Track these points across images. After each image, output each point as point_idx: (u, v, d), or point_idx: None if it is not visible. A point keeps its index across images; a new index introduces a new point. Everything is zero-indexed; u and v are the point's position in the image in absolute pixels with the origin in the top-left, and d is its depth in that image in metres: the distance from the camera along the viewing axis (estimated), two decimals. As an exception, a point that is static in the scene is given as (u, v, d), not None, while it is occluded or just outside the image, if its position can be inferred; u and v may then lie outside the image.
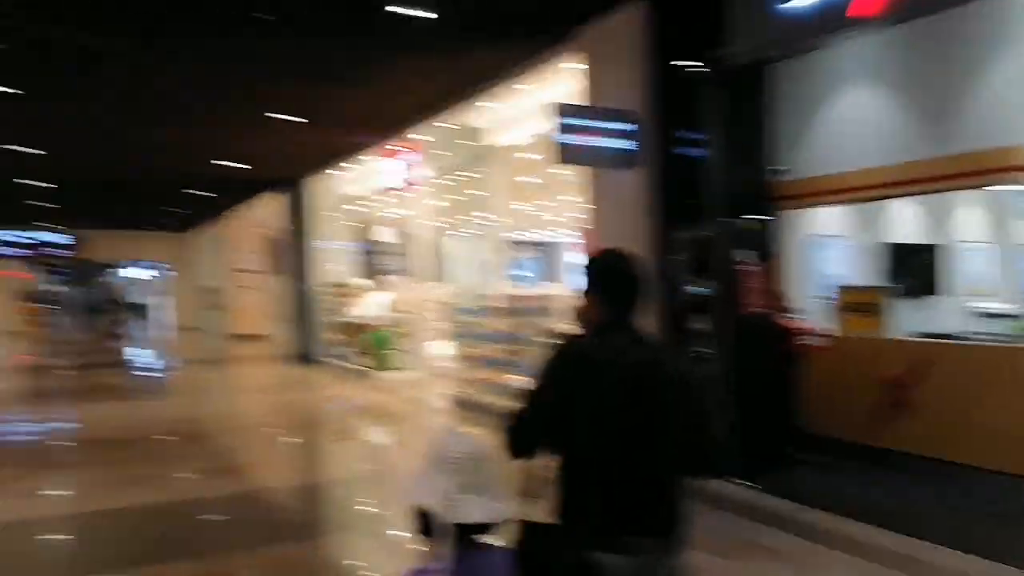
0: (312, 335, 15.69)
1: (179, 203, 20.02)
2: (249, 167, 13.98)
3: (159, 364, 17.42)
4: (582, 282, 2.07)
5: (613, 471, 1.88)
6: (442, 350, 12.40)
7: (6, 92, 8.48)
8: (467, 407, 9.27)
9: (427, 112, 9.74)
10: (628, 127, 5.84)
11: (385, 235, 16.14)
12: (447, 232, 14.84)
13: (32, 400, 11.76)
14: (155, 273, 36.33)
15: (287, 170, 14.46)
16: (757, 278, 5.48)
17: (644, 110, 5.92)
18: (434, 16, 6.30)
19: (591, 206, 6.64)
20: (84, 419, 9.38)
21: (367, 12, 6.38)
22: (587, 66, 6.58)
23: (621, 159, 5.84)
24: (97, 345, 22.02)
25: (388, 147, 11.54)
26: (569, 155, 5.61)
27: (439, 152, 11.10)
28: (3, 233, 25.26)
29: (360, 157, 12.74)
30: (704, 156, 5.53)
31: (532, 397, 1.97)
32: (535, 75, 7.75)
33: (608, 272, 2.05)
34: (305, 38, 7.00)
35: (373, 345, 12.44)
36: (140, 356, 19.54)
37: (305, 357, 15.62)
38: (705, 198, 5.51)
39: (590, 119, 5.68)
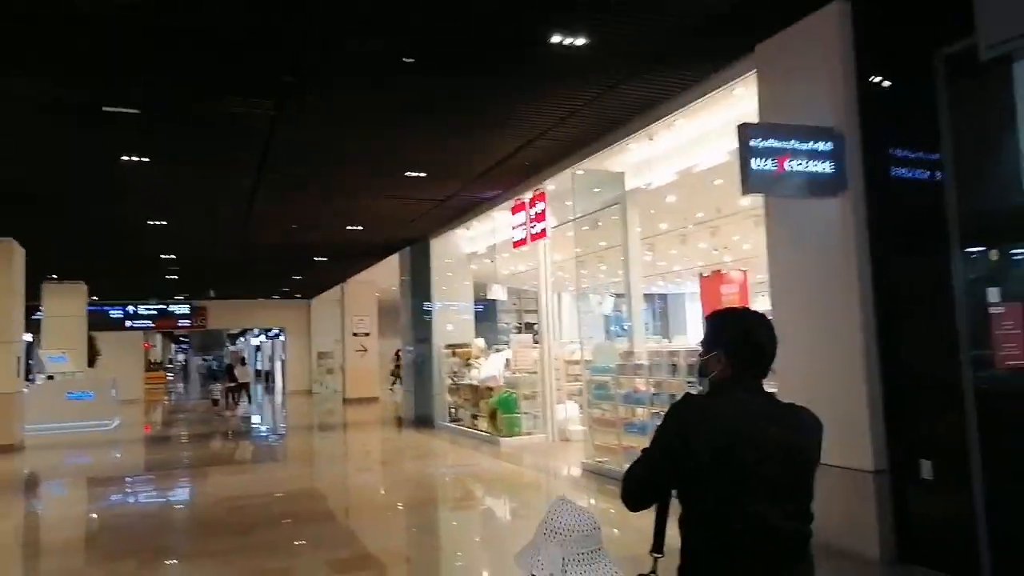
0: (430, 398, 15.12)
1: (301, 271, 20.37)
2: (364, 228, 13.83)
3: (277, 431, 17.28)
4: (711, 339, 2.01)
5: (745, 533, 1.82)
6: (571, 413, 11.48)
7: (134, 159, 8.48)
8: (598, 475, 8.28)
9: (562, 158, 9.11)
10: (828, 147, 4.89)
11: (508, 292, 15.53)
12: (573, 286, 14.05)
13: (151, 472, 11.60)
14: (274, 339, 37.49)
15: (408, 230, 14.21)
16: (1016, 322, 4.31)
17: (846, 126, 4.97)
18: (588, 43, 5.64)
19: (773, 244, 5.65)
20: (201, 495, 8.95)
21: (516, 47, 5.82)
22: (762, 85, 5.71)
23: (822, 185, 4.87)
24: (217, 412, 22.38)
25: (515, 199, 10.98)
26: (758, 183, 4.70)
27: (567, 203, 10.44)
28: (130, 304, 26.57)
29: (485, 212, 12.25)
30: (934, 175, 4.49)
31: (657, 450, 1.93)
32: (689, 104, 6.93)
33: (744, 330, 1.98)
34: (443, 77, 6.50)
35: (496, 409, 11.66)
36: (258, 422, 19.59)
37: (423, 421, 15.04)
38: (940, 225, 4.44)
39: (782, 140, 4.77)
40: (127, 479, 10.56)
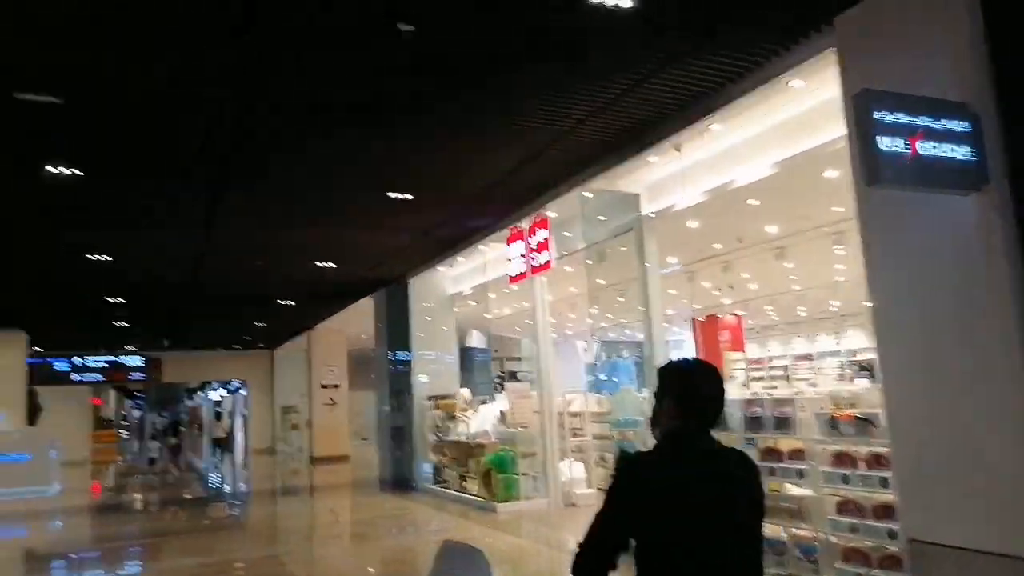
0: (410, 457, 13.54)
1: (264, 316, 18.78)
2: (338, 266, 12.43)
3: (238, 497, 15.45)
4: (660, 391, 2.04)
5: None
6: (576, 473, 10.06)
7: (62, 171, 7.05)
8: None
9: (568, 176, 7.89)
10: (964, 127, 3.74)
11: (488, 339, 14.19)
12: (564, 331, 12.74)
13: (98, 547, 9.83)
14: (234, 393, 35.31)
15: (386, 268, 12.82)
16: None
17: (980, 103, 3.83)
18: (631, 5, 4.47)
19: (878, 262, 4.45)
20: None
21: (523, 17, 4.63)
22: (847, 65, 4.59)
23: (961, 175, 3.70)
24: (172, 474, 20.37)
25: (511, 228, 9.74)
26: (889, 171, 3.51)
27: (565, 233, 9.24)
28: (77, 356, 24.54)
29: (473, 245, 10.97)
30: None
31: (604, 517, 1.92)
32: (733, 101, 5.80)
33: (689, 382, 2.01)
34: (437, 70, 5.28)
35: (490, 469, 10.19)
36: (217, 486, 17.69)
37: (401, 483, 13.43)
38: None
39: (913, 114, 3.61)
40: (54, 563, 8.79)
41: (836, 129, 5.38)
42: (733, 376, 16.27)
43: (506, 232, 9.90)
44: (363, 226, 9.95)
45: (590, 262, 9.11)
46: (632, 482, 1.90)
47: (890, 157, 3.51)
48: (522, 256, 9.54)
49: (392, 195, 8.38)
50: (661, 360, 7.53)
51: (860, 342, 17.98)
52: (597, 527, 1.92)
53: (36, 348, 22.10)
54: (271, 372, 27.57)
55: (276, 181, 7.85)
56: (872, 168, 3.52)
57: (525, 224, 9.42)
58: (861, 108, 3.55)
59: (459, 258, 11.91)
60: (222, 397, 38.86)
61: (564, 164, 7.47)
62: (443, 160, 7.32)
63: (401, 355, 14.12)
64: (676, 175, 7.17)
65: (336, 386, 21.62)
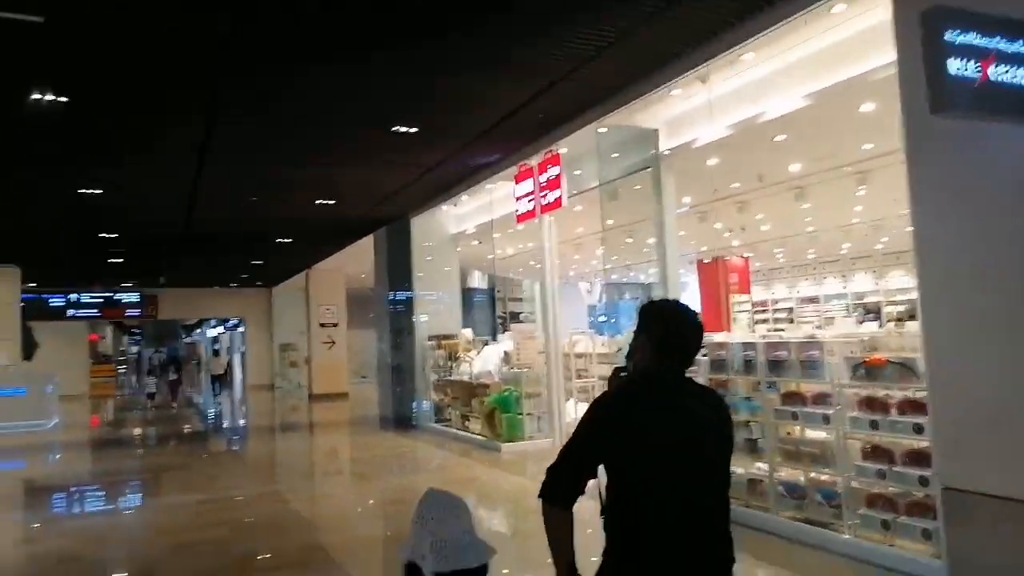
0: (410, 396, 13.47)
1: (263, 255, 18.47)
2: (337, 204, 12.07)
3: (236, 433, 15.44)
4: (639, 328, 2.08)
5: (671, 520, 1.88)
6: (580, 414, 9.96)
7: (46, 99, 6.63)
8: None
9: (584, 110, 7.50)
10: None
11: (504, 276, 13.95)
12: (580, 271, 12.50)
13: (96, 481, 9.79)
14: (232, 330, 35.25)
15: (387, 206, 12.46)
16: None
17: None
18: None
19: (926, 205, 4.17)
20: (141, 526, 7.22)
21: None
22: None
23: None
24: (171, 409, 20.39)
25: (520, 166, 9.38)
26: (958, 97, 3.19)
27: (576, 173, 8.89)
28: (73, 292, 24.32)
29: (478, 183, 10.61)
30: None
31: (577, 443, 1.96)
32: (768, 28, 5.41)
33: (668, 322, 2.04)
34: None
35: (494, 409, 10.09)
36: (216, 421, 17.69)
37: (401, 421, 13.40)
38: None
39: (986, 35, 3.27)
40: (54, 497, 8.73)
41: (878, 57, 5.03)
42: (737, 319, 16.18)
43: (514, 170, 9.54)
44: (364, 163, 9.56)
45: (606, 201, 8.77)
46: (607, 415, 1.94)
47: (960, 83, 3.19)
48: (531, 195, 9.21)
49: (396, 129, 7.99)
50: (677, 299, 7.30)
51: (867, 285, 17.84)
52: (568, 452, 1.96)
53: (30, 284, 21.81)
54: (269, 310, 27.44)
55: (273, 113, 7.43)
56: (940, 95, 3.19)
57: (535, 161, 9.06)
58: (931, 27, 3.20)
59: (464, 196, 11.56)
60: (220, 334, 38.88)
61: (580, 97, 7.07)
62: (452, 91, 6.89)
63: (402, 295, 13.91)
64: (700, 108, 6.80)
65: (335, 325, 21.51)
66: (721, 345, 6.21)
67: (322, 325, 21.37)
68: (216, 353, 23.89)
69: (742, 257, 16.79)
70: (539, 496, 1.95)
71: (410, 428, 12.91)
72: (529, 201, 9.26)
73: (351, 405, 18.98)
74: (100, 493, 8.86)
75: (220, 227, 14.04)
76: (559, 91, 6.82)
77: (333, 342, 21.36)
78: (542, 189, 8.96)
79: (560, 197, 8.62)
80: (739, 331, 13.79)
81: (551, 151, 8.63)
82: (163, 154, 8.80)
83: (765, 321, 19.13)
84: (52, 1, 4.90)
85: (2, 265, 18.12)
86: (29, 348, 20.65)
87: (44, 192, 10.69)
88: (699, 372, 6.02)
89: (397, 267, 13.89)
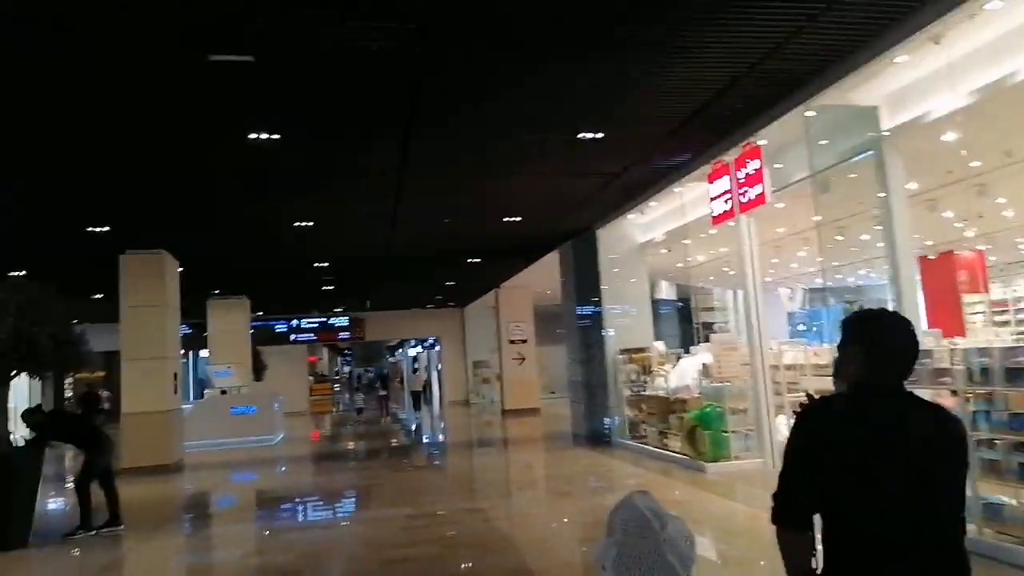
0: (603, 412, 13.14)
1: (453, 275, 19.19)
2: (524, 219, 12.12)
3: (437, 448, 15.99)
4: (847, 341, 1.93)
5: (897, 546, 1.72)
6: (793, 432, 9.04)
7: (262, 137, 7.16)
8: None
9: (784, 95, 6.81)
10: None
11: (693, 285, 13.29)
12: (778, 276, 11.55)
13: (315, 495, 10.47)
14: (429, 349, 37.16)
15: (572, 219, 12.35)
16: None
17: None
18: None
19: None
20: (356, 539, 7.50)
21: None
22: None
23: None
24: (379, 423, 21.71)
25: (713, 164, 8.79)
26: None
27: (776, 166, 8.12)
28: (294, 318, 26.85)
29: (667, 187, 10.12)
30: None
31: (786, 471, 1.85)
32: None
33: (880, 333, 1.89)
34: None
35: (696, 426, 9.46)
36: (419, 435, 18.50)
37: (595, 438, 13.09)
38: None
39: None
40: (277, 511, 9.42)
41: None
42: (972, 322, 14.09)
43: (706, 169, 8.95)
44: (550, 173, 9.47)
45: (816, 194, 7.90)
46: (812, 439, 1.82)
47: None
48: (727, 194, 8.56)
49: (582, 136, 7.78)
50: (909, 305, 6.36)
51: None
52: (783, 476, 1.86)
53: (258, 313, 24.39)
54: (462, 328, 28.53)
55: (464, 129, 7.54)
56: None
57: (731, 157, 8.42)
58: None
59: (651, 203, 11.11)
60: (419, 353, 41.15)
61: (784, 78, 6.39)
62: (640, 87, 6.55)
63: (589, 309, 13.68)
64: (932, 75, 5.87)
65: (523, 341, 21.79)
66: (954, 351, 5.27)
67: (511, 342, 21.74)
68: (415, 371, 25.41)
69: (974, 251, 14.65)
70: (771, 522, 1.86)
71: (604, 444, 12.57)
72: (726, 201, 8.62)
73: (543, 421, 19.03)
74: (319, 505, 9.43)
75: (416, 251, 14.70)
76: (760, 73, 6.21)
77: (523, 358, 21.63)
78: (740, 186, 8.29)
79: (762, 193, 7.91)
80: (977, 335, 11.95)
81: (749, 143, 7.96)
82: (364, 183, 9.32)
83: (1007, 323, 16.54)
84: (261, 43, 5.24)
85: (235, 297, 20.37)
86: (259, 370, 23.02)
87: (264, 227, 11.76)
88: (921, 381, 5.15)
89: (583, 281, 13.70)
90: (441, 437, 18.24)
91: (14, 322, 6.89)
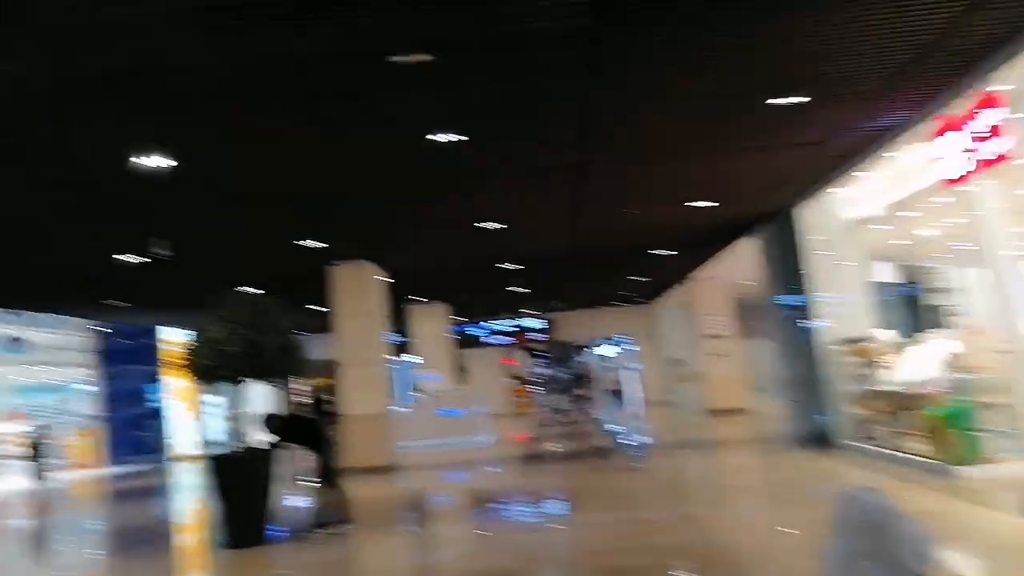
0: (821, 410, 11.98)
1: (641, 269, 18.69)
2: (716, 204, 11.39)
3: (639, 449, 15.56)
4: None
5: None
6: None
7: (443, 139, 7.25)
8: None
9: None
10: None
11: (915, 265, 11.80)
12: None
13: (524, 497, 10.53)
14: (623, 348, 36.80)
15: (767, 199, 11.43)
16: None
17: None
18: None
19: None
20: (577, 537, 7.36)
21: None
22: None
23: None
24: (577, 426, 21.67)
25: (937, 120, 7.64)
26: None
27: (1021, 114, 6.81)
28: (488, 322, 27.74)
29: (878, 152, 9.00)
30: None
31: None
32: None
33: None
34: None
35: (939, 425, 8.26)
36: (618, 438, 18.14)
37: (815, 439, 11.95)
38: None
39: None
40: (487, 513, 9.56)
41: None
42: None
43: (929, 127, 7.79)
44: (744, 148, 8.75)
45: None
46: None
47: None
48: (961, 152, 7.37)
49: (779, 101, 7.06)
50: None
51: None
52: None
53: (458, 317, 25.47)
54: (655, 326, 27.83)
55: (649, 106, 7.13)
56: None
57: (962, 109, 7.24)
58: None
59: (862, 173, 9.94)
60: (611, 352, 40.84)
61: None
62: (850, 34, 5.76)
63: (797, 297, 12.57)
64: None
65: (722, 336, 20.69)
66: None
67: (709, 337, 20.73)
68: (607, 371, 25.27)
69: None
70: None
71: (826, 447, 11.45)
72: (958, 162, 7.42)
73: (751, 421, 17.91)
74: (529, 508, 9.43)
75: (602, 246, 14.42)
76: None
77: (723, 354, 20.53)
78: (978, 142, 7.09)
79: (1009, 149, 6.69)
80: None
81: (986, 91, 6.77)
82: (545, 178, 9.20)
83: None
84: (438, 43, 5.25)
85: (435, 303, 21.38)
86: (462, 373, 24.02)
87: (452, 231, 12.08)
88: None
89: (787, 267, 12.61)
90: (644, 439, 17.78)
91: (246, 333, 7.57)
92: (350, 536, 7.90)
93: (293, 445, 8.38)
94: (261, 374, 7.80)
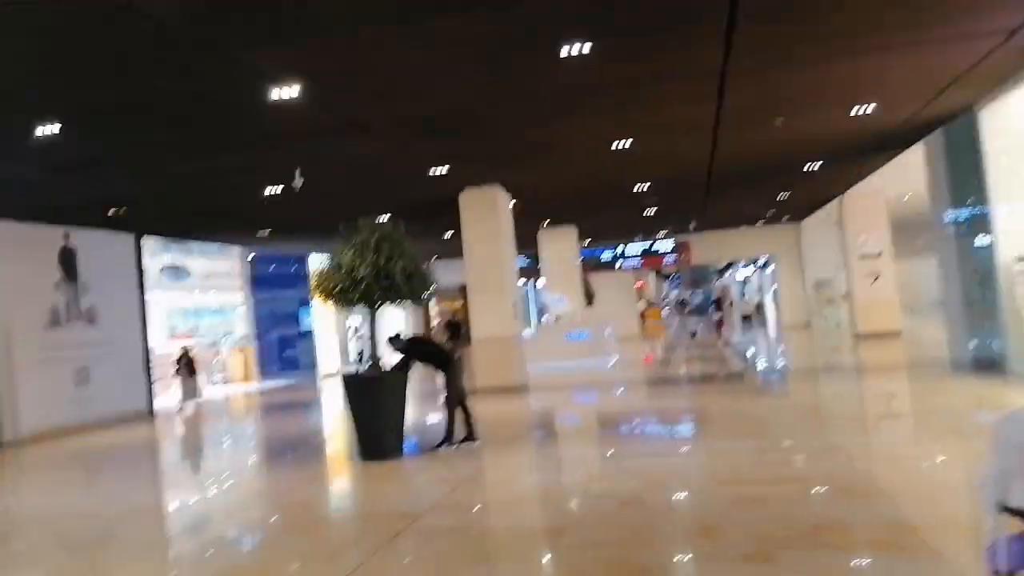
0: (991, 332, 10.72)
1: (788, 185, 17.32)
2: (876, 107, 10.12)
3: (778, 373, 14.77)
4: None
5: None
6: None
7: (574, 53, 6.72)
8: None
9: None
10: None
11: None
12: None
13: (652, 421, 10.29)
14: (763, 269, 34.99)
15: (939, 102, 10.00)
16: None
17: None
18: None
19: None
20: (709, 464, 7.04)
21: None
22: None
23: None
24: (713, 349, 20.99)
25: None
26: None
27: None
28: (619, 244, 27.09)
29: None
30: None
31: None
32: None
33: None
34: None
35: None
36: (756, 362, 17.37)
37: (984, 364, 10.78)
38: None
39: None
40: (614, 436, 9.39)
41: None
42: None
43: None
44: (912, 42, 7.58)
45: None
46: None
47: None
48: None
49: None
50: None
51: None
52: None
53: (586, 240, 25.07)
54: (799, 245, 26.13)
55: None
56: None
57: None
58: None
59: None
60: (750, 273, 39.07)
61: None
62: None
63: (970, 210, 11.14)
64: None
65: (877, 255, 19.04)
66: None
67: (861, 257, 19.15)
68: (745, 293, 24.07)
69: None
70: None
71: (995, 372, 10.29)
72: None
73: (906, 345, 16.52)
74: (657, 432, 9.17)
75: (743, 161, 13.41)
76: None
77: (877, 275, 18.94)
78: None
79: None
80: None
81: None
82: (684, 88, 8.48)
83: None
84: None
85: (563, 226, 21.06)
86: (589, 297, 23.77)
87: (583, 152, 11.60)
88: None
89: (961, 177, 11.17)
90: (783, 363, 16.90)
91: (374, 258, 7.65)
92: (477, 453, 8.00)
93: (418, 364, 8.54)
94: (390, 298, 7.90)
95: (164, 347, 17.37)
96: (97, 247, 13.94)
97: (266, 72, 6.89)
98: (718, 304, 24.81)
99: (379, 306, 7.95)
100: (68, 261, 13.46)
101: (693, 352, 20.53)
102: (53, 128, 7.83)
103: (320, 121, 8.51)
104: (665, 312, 43.96)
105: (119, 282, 14.50)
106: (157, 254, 17.65)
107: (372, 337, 8.33)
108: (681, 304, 49.71)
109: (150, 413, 14.63)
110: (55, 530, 6.27)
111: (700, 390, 12.82)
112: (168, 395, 16.09)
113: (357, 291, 7.71)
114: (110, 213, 12.88)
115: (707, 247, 27.34)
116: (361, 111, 8.51)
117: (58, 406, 12.71)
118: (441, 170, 11.79)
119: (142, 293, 15.13)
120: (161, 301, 18.21)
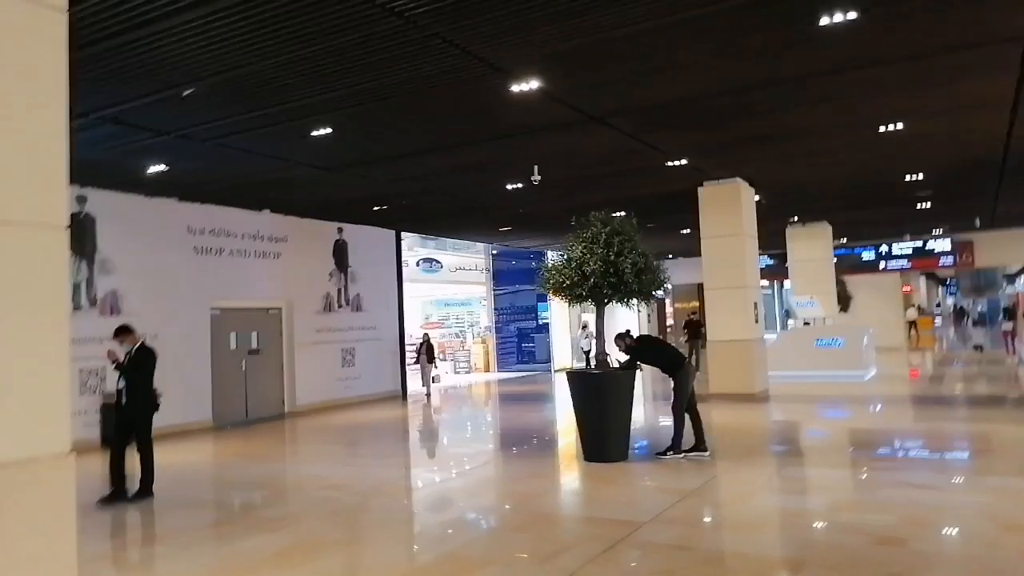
0: None
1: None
2: None
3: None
4: None
5: None
6: None
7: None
8: None
9: None
10: None
11: None
12: None
13: (919, 446, 8.96)
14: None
15: None
16: None
17: None
18: None
19: None
20: (999, 506, 5.90)
21: None
22: None
23: None
24: (1002, 366, 17.88)
25: None
26: None
27: None
28: (883, 244, 24.20)
29: None
30: None
31: None
32: None
33: None
34: None
35: None
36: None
37: None
38: None
39: None
40: (870, 460, 8.28)
41: None
42: None
43: None
44: None
45: None
46: None
47: None
48: None
49: None
50: None
51: None
52: None
53: (842, 239, 22.75)
54: None
55: None
56: None
57: None
58: None
59: None
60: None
61: None
62: None
63: None
64: None
65: None
66: None
67: None
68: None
69: None
70: None
71: None
72: None
73: None
74: (922, 458, 7.93)
75: None
76: None
77: None
78: None
79: None
80: None
81: None
82: (975, 57, 7.18)
83: None
84: None
85: (815, 223, 19.31)
86: (844, 301, 21.54)
87: (841, 137, 10.39)
88: None
89: None
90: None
91: (604, 253, 7.51)
92: (707, 464, 7.51)
93: (645, 365, 8.24)
94: (619, 294, 7.72)
95: (417, 335, 18.92)
96: (364, 241, 15.55)
97: (506, 66, 6.98)
98: (1010, 313, 21.04)
99: (607, 302, 7.80)
100: (340, 253, 15.17)
101: (974, 368, 17.65)
102: (326, 130, 8.75)
103: (556, 112, 8.46)
104: (939, 321, 38.59)
105: (382, 273, 16.03)
106: (413, 247, 19.26)
107: (600, 334, 8.20)
108: (959, 312, 43.35)
109: (403, 395, 15.98)
110: (318, 497, 6.99)
111: (982, 414, 10.92)
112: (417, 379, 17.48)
113: (585, 286, 7.64)
114: (375, 209, 14.22)
115: (996, 248, 23.38)
116: (597, 101, 8.33)
117: (328, 383, 14.38)
118: (680, 162, 11.31)
119: (400, 284, 16.59)
120: (416, 292, 19.83)
